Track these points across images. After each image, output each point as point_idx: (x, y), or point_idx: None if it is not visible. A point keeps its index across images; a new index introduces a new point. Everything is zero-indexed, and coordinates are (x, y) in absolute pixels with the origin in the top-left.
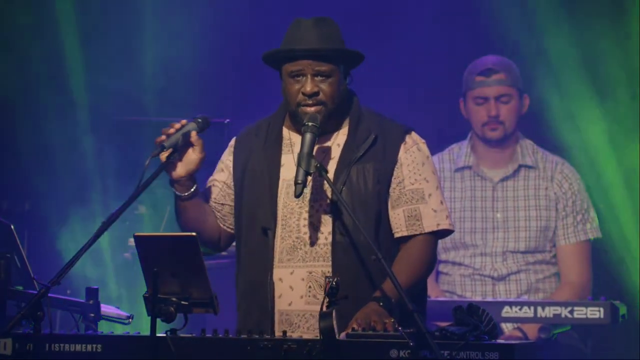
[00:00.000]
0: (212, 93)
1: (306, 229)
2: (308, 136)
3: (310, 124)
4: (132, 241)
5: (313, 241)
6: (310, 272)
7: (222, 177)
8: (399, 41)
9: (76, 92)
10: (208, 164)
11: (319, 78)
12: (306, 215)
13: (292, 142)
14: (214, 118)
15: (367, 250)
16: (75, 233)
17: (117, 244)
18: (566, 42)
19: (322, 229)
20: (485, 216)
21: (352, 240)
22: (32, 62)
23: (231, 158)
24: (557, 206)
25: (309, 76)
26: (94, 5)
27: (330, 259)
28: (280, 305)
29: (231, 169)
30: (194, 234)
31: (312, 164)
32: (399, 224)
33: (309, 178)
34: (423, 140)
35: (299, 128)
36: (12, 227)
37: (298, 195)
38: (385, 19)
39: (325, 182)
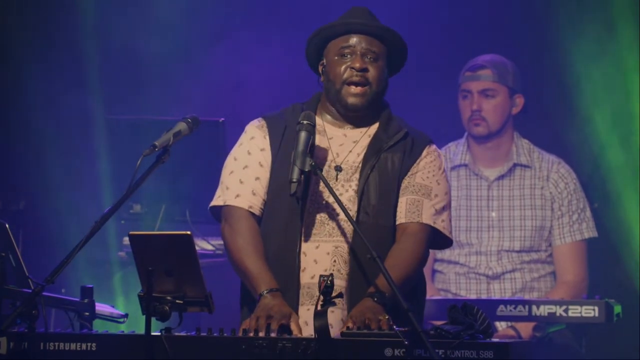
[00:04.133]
0: (207, 92)
1: (335, 206)
2: (303, 134)
3: (305, 122)
4: (127, 240)
5: (342, 218)
6: (337, 247)
7: (267, 162)
8: None
9: (71, 91)
10: (204, 163)
11: (368, 58)
12: (336, 193)
13: (325, 130)
14: (208, 117)
15: (390, 235)
16: (70, 232)
17: (112, 243)
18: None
19: (350, 206)
20: (481, 215)
21: (376, 222)
22: (27, 60)
23: (267, 137)
24: (552, 206)
25: (358, 53)
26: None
27: (353, 237)
28: (303, 278)
29: (270, 148)
30: (188, 232)
31: (307, 162)
32: (400, 211)
33: (307, 175)
34: (443, 153)
35: (335, 117)
36: (6, 226)
37: (293, 193)
38: (384, 18)
39: (364, 161)
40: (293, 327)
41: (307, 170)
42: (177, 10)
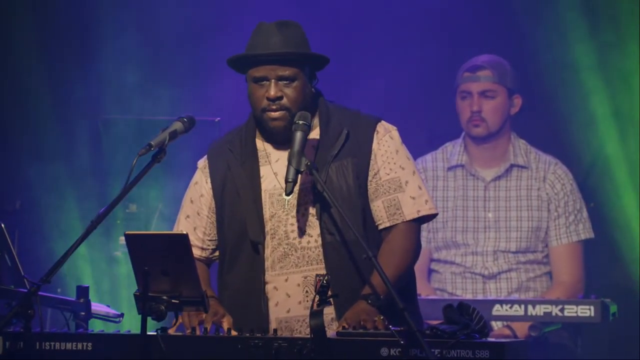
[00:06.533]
0: (204, 91)
1: (295, 235)
2: (298, 134)
3: (300, 122)
4: (123, 239)
5: (303, 245)
6: (306, 277)
7: (205, 210)
8: (393, 40)
9: (66, 91)
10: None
11: (282, 82)
12: (293, 220)
13: (268, 153)
14: (204, 116)
15: (358, 247)
16: (66, 232)
17: (108, 243)
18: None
19: (311, 231)
20: (477, 216)
21: (342, 239)
22: (27, 60)
23: (209, 180)
24: (549, 207)
25: (272, 81)
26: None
27: (323, 260)
28: (278, 313)
29: (211, 192)
30: (184, 232)
31: (302, 162)
32: (380, 216)
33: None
34: (394, 127)
35: (269, 137)
36: (2, 225)
37: (289, 193)
38: (379, 19)
39: (314, 181)
40: (225, 325)
41: (302, 170)
42: (175, 9)
